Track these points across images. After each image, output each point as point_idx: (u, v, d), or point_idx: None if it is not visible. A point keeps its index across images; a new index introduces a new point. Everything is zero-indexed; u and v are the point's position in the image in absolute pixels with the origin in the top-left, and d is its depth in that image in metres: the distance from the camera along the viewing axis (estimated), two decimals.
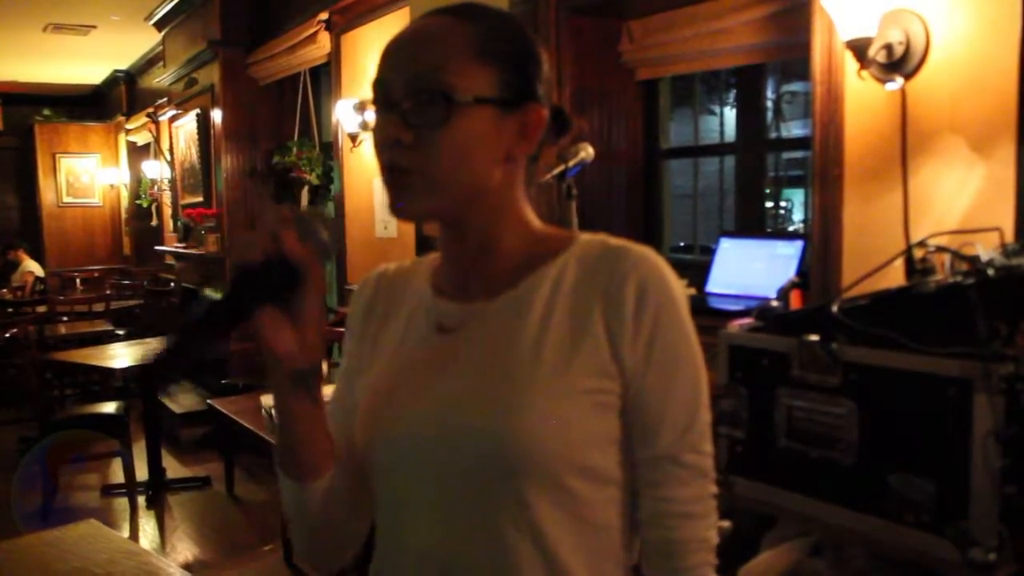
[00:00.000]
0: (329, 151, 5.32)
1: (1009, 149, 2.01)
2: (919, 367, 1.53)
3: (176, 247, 7.20)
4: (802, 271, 2.66)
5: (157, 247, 8.05)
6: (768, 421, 1.79)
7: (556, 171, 1.99)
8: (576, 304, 0.88)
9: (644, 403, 0.87)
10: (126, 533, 4.06)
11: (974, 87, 2.07)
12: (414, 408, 0.90)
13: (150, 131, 8.41)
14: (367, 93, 4.68)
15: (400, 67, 0.86)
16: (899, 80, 2.17)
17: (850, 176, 2.34)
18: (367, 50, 4.69)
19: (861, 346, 1.63)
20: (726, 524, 1.96)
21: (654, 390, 0.87)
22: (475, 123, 0.85)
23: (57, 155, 10.17)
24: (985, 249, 1.69)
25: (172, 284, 7.59)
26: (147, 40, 7.61)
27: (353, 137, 4.76)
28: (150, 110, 8.27)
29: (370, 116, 4.25)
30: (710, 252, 3.13)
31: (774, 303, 2.05)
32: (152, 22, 6.85)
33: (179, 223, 7.22)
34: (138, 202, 9.09)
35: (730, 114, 3.52)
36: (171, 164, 7.59)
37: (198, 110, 6.46)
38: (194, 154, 6.69)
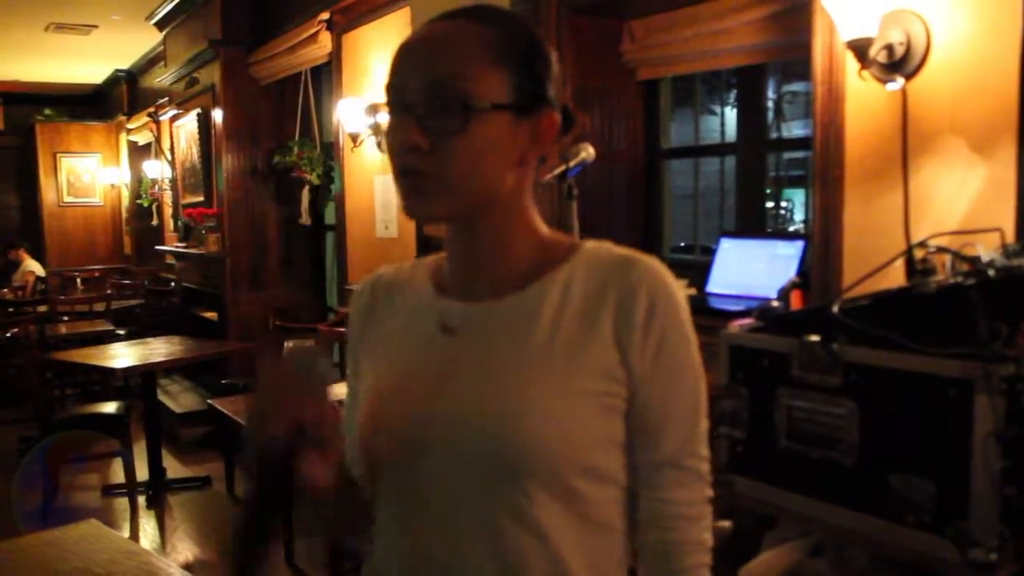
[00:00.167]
0: (330, 151, 5.32)
1: (1010, 149, 2.01)
2: (920, 368, 1.53)
3: (177, 247, 7.20)
4: (803, 271, 2.66)
5: (158, 247, 8.05)
6: (769, 421, 1.79)
7: (557, 171, 1.99)
8: (586, 310, 0.89)
9: (649, 409, 0.90)
10: (127, 533, 4.06)
11: (975, 87, 2.07)
12: (419, 408, 0.90)
13: (151, 131, 8.41)
14: (367, 93, 4.69)
15: (416, 70, 0.86)
16: (900, 80, 2.17)
17: (851, 176, 2.34)
18: (368, 50, 4.69)
19: (862, 346, 1.63)
20: (727, 524, 1.96)
21: (659, 397, 0.90)
22: (491, 129, 0.86)
23: (58, 155, 10.17)
24: (986, 250, 1.69)
25: (173, 284, 7.59)
26: (148, 40, 7.61)
27: (354, 137, 4.76)
28: (151, 110, 8.26)
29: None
30: (710, 252, 3.13)
31: (775, 303, 2.05)
32: (153, 22, 6.85)
33: (180, 223, 7.22)
34: (139, 202, 9.08)
35: (731, 114, 3.52)
36: (172, 164, 7.59)
37: (199, 110, 6.45)
38: (195, 154, 6.69)
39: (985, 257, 1.65)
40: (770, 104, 3.28)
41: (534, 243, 0.94)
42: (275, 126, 6.13)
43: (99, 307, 7.04)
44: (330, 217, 5.77)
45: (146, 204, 8.81)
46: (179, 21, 6.61)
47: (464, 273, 0.95)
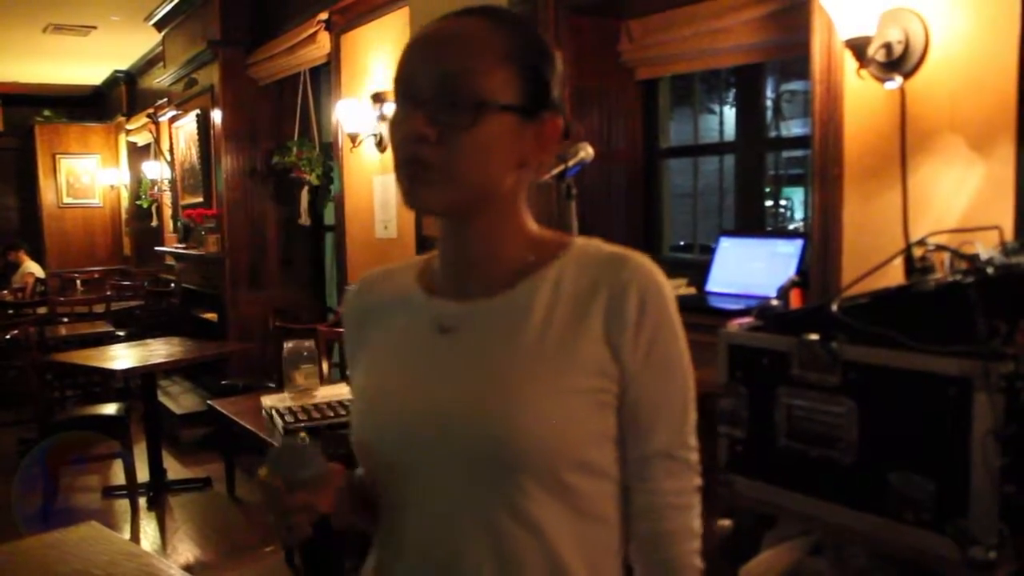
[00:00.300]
0: (329, 151, 5.32)
1: (1008, 148, 2.01)
2: (919, 366, 1.53)
3: (176, 247, 7.20)
4: (802, 270, 2.66)
5: (157, 248, 8.05)
6: (768, 420, 1.79)
7: (556, 171, 1.99)
8: (577, 307, 0.90)
9: (640, 404, 0.91)
10: (127, 535, 4.06)
11: (973, 86, 2.07)
12: (416, 408, 0.91)
13: (150, 131, 8.41)
14: (367, 93, 4.68)
15: (428, 65, 0.87)
16: (898, 79, 2.17)
17: (850, 175, 2.34)
18: (367, 50, 4.69)
19: (861, 345, 1.63)
20: (727, 523, 1.96)
21: (651, 392, 0.91)
22: (498, 127, 0.87)
23: (57, 156, 10.17)
24: (984, 248, 1.69)
25: (172, 285, 7.59)
26: (147, 40, 7.61)
27: (353, 137, 4.76)
28: (150, 110, 8.26)
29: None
30: (710, 251, 3.13)
31: (774, 302, 2.04)
32: (152, 22, 6.85)
33: (179, 223, 7.22)
34: (138, 203, 9.08)
35: (730, 113, 3.52)
36: (171, 164, 7.59)
37: (198, 110, 6.45)
38: (194, 154, 6.69)
39: (984, 255, 1.65)
40: (769, 103, 3.28)
41: (525, 242, 0.95)
42: (274, 127, 6.13)
43: (99, 308, 7.04)
44: (329, 217, 5.77)
45: (145, 205, 8.81)
46: (178, 22, 6.61)
47: (456, 272, 0.96)
